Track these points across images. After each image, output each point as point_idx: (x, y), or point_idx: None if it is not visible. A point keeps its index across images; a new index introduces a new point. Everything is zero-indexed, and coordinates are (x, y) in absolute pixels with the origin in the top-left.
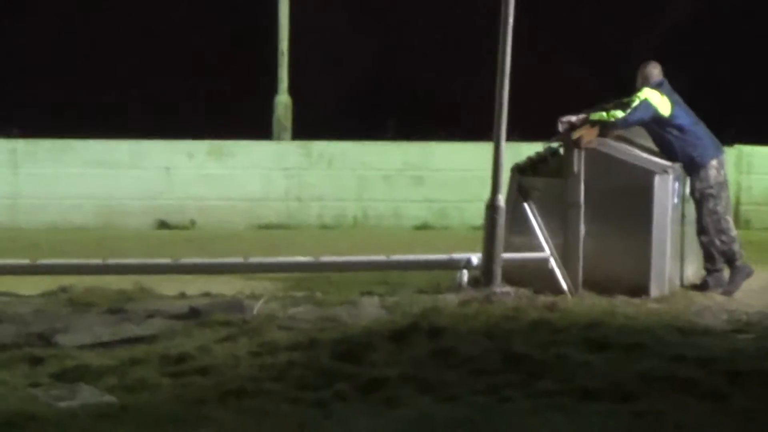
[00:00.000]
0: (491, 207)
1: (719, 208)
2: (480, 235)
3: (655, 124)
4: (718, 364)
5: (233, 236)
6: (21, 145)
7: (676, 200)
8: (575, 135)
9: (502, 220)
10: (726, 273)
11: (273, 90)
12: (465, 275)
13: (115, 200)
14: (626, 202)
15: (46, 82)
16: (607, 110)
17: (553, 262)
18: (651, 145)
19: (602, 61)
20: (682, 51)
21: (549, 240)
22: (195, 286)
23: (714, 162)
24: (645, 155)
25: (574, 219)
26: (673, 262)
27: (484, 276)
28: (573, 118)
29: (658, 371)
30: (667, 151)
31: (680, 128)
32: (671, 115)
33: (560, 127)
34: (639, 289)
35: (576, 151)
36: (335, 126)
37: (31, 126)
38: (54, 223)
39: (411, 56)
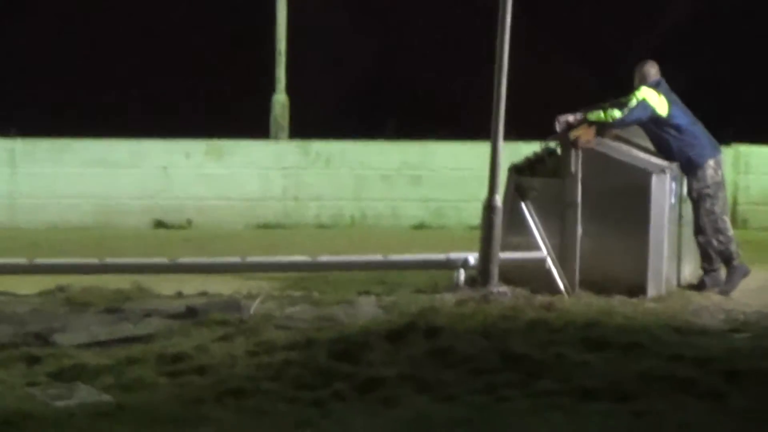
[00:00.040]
0: (488, 207)
1: (716, 208)
2: (477, 234)
3: (653, 124)
4: (715, 363)
5: (231, 236)
6: (19, 144)
7: (673, 200)
8: (573, 135)
9: (499, 220)
10: (723, 273)
11: (271, 89)
12: (462, 275)
13: (113, 200)
14: (623, 201)
15: (44, 82)
16: (604, 110)
17: (550, 262)
18: (648, 144)
19: (601, 61)
20: (681, 51)
21: (546, 240)
22: (192, 285)
23: (711, 162)
24: (642, 155)
25: (572, 219)
26: (670, 261)
27: (481, 276)
28: (570, 118)
29: (656, 371)
30: (664, 150)
31: (678, 128)
32: (669, 115)
33: (558, 127)
34: (636, 288)
35: (573, 151)
36: (333, 125)
37: (29, 125)
38: (52, 223)
39: (409, 56)
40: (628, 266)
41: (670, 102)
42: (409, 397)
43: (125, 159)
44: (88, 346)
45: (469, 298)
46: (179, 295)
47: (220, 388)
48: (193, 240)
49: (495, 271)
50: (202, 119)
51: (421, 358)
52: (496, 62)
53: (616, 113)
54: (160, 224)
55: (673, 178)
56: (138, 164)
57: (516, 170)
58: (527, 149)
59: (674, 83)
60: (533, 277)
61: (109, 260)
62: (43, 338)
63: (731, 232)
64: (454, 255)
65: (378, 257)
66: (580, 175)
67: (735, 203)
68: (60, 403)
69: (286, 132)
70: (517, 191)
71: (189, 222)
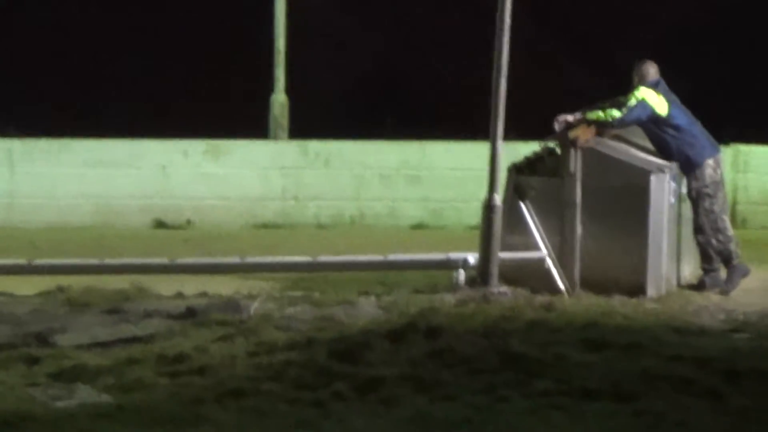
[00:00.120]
0: (488, 206)
1: (716, 208)
2: (477, 234)
3: (652, 124)
4: (715, 363)
5: (230, 236)
6: (18, 144)
7: (672, 200)
8: (572, 134)
9: (499, 219)
10: (723, 272)
11: (270, 89)
12: (462, 275)
13: (112, 200)
14: (623, 201)
15: (43, 82)
16: (603, 109)
17: (549, 262)
18: (647, 144)
19: (600, 61)
20: (681, 51)
21: (546, 239)
22: (192, 285)
23: (710, 161)
24: (641, 155)
25: (571, 218)
26: (669, 261)
27: (480, 276)
28: (570, 118)
29: (655, 371)
30: (663, 150)
31: (677, 127)
32: (668, 115)
33: (557, 127)
34: (636, 288)
35: (573, 151)
36: (332, 125)
37: (27, 125)
38: (51, 223)
39: (409, 56)
40: (628, 266)
41: (670, 102)
42: (409, 397)
43: (124, 159)
44: (88, 346)
45: (469, 298)
46: (179, 295)
47: (220, 389)
48: (193, 240)
49: (495, 271)
50: (202, 119)
51: (421, 358)
52: (496, 62)
53: (616, 113)
54: (159, 224)
55: (673, 178)
56: (137, 164)
57: (515, 170)
58: (526, 149)
59: (673, 83)
60: (533, 277)
61: (109, 260)
62: (43, 339)
63: (731, 231)
64: (454, 255)
65: (378, 257)
66: (579, 175)
67: (734, 203)
68: (60, 404)
69: (285, 132)
70: (516, 191)
71: (188, 222)
